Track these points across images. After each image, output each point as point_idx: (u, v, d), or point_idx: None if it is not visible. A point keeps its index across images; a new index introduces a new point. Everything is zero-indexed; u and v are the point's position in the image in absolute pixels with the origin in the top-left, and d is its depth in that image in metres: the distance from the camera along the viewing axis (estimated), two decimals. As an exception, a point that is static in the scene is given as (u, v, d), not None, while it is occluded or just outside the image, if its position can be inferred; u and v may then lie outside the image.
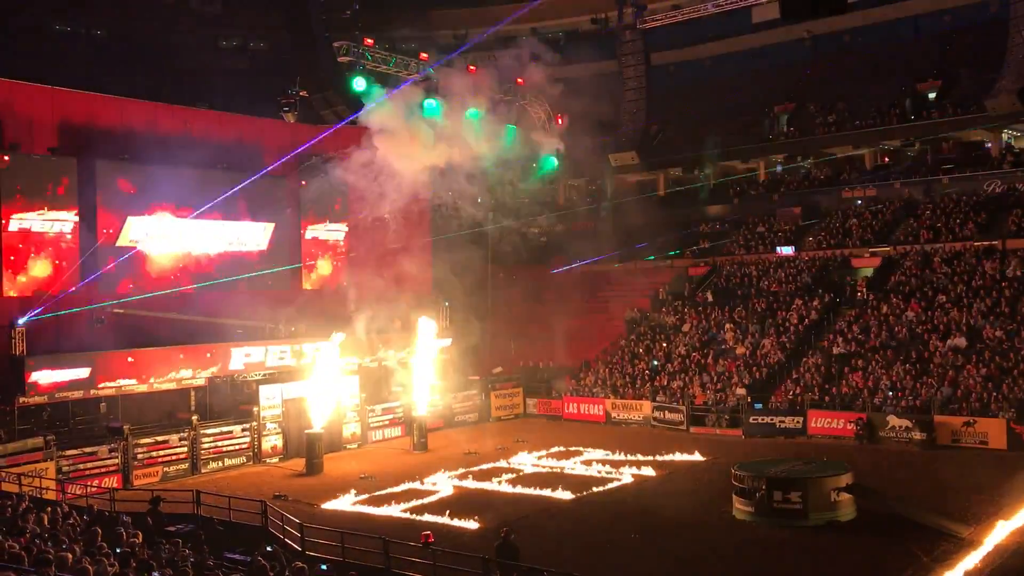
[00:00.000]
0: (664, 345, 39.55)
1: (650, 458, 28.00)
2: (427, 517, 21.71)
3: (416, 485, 25.49)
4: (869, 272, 39.74)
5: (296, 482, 26.48)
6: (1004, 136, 45.47)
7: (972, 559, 17.47)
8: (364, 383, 33.66)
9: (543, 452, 29.70)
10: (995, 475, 24.09)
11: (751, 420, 32.50)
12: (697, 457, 28.38)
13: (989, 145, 45.70)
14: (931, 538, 18.62)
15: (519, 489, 24.79)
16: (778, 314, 38.56)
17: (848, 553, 18.18)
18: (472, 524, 21.03)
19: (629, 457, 28.21)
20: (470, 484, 25.57)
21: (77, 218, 28.66)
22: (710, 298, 42.14)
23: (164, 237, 31.11)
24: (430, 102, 35.33)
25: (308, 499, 23.98)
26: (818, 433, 30.98)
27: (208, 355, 29.96)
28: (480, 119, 31.26)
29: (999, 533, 19.09)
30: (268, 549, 15.26)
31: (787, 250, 42.78)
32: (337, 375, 32.14)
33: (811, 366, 34.12)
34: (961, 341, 32.56)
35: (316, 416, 30.20)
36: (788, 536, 19.34)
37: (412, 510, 22.69)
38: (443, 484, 25.58)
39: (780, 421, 31.91)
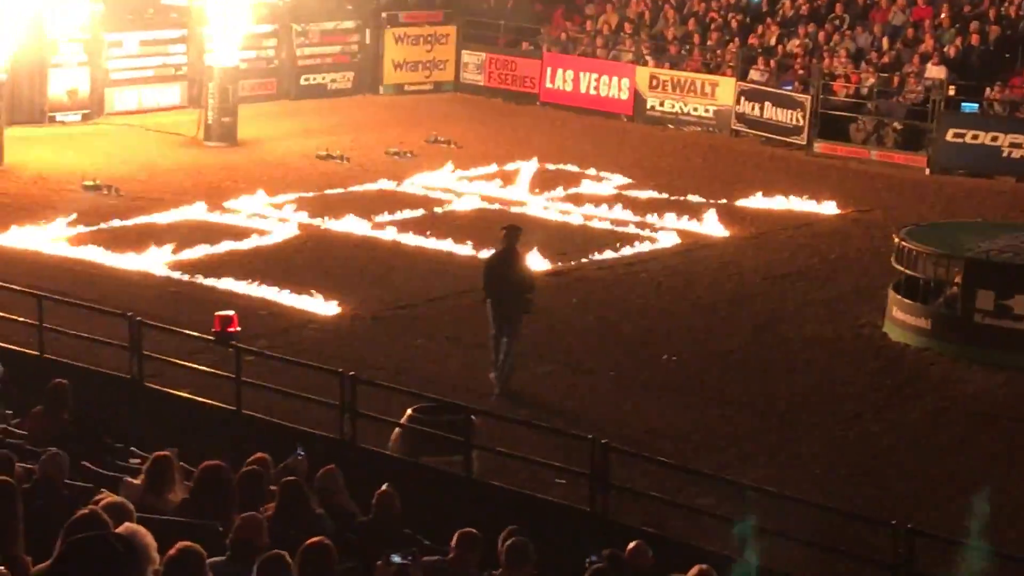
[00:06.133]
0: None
1: (723, 201, 17.31)
2: (226, 283, 13.52)
3: (209, 216, 16.09)
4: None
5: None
6: None
7: None
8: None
9: (493, 167, 18.55)
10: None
11: (949, 136, 20.09)
12: (824, 208, 17.51)
13: None
14: None
15: (432, 243, 14.78)
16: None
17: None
18: (326, 307, 13.15)
19: (676, 198, 17.40)
20: (331, 224, 15.83)
21: None
22: None
23: None
24: None
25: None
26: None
27: None
28: None
29: None
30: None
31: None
32: None
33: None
34: None
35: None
36: (1003, 385, 11.68)
37: (192, 265, 14.24)
38: (271, 217, 16.30)
39: (1012, 141, 19.79)
